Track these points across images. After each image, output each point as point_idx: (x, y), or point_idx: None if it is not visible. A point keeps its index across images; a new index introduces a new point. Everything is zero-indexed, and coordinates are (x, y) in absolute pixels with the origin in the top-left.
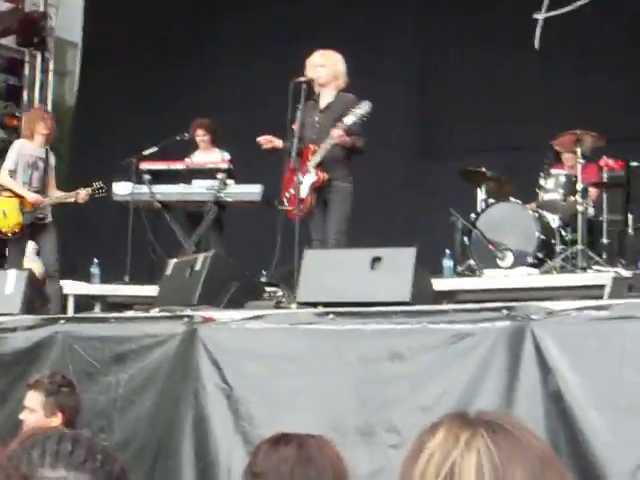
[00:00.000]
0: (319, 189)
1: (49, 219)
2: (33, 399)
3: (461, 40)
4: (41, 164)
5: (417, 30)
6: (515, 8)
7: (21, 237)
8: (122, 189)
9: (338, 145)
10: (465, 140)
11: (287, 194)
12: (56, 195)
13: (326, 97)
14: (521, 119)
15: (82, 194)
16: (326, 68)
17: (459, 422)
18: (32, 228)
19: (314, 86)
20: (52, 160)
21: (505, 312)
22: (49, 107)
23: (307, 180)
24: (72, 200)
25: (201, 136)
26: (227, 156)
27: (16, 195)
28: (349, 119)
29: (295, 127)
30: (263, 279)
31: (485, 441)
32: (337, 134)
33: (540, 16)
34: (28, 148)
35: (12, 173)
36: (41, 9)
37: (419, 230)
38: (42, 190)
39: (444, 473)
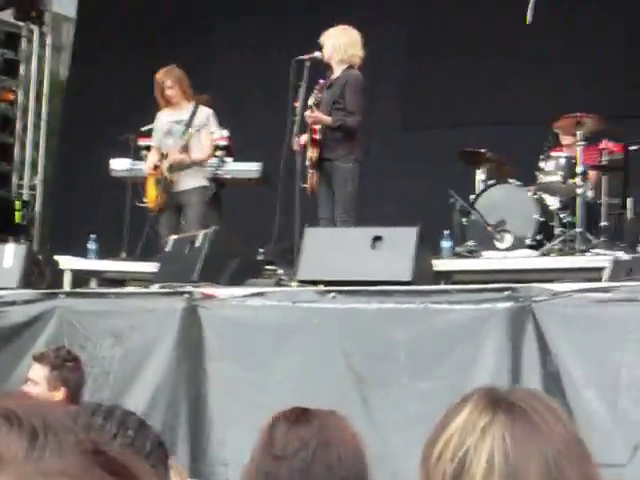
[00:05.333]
0: (321, 168)
1: (189, 186)
2: (38, 372)
3: (454, 10)
4: (178, 127)
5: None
6: None
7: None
8: (120, 165)
9: (326, 125)
10: (455, 114)
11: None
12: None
13: (334, 74)
14: (514, 96)
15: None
16: (325, 45)
17: (484, 402)
18: (174, 197)
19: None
20: (201, 117)
21: (507, 293)
22: (45, 81)
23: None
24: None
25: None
26: (225, 133)
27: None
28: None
29: (297, 105)
30: (260, 257)
31: (501, 429)
32: (307, 115)
33: None
34: (162, 116)
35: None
36: None
37: (415, 210)
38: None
39: (457, 459)
